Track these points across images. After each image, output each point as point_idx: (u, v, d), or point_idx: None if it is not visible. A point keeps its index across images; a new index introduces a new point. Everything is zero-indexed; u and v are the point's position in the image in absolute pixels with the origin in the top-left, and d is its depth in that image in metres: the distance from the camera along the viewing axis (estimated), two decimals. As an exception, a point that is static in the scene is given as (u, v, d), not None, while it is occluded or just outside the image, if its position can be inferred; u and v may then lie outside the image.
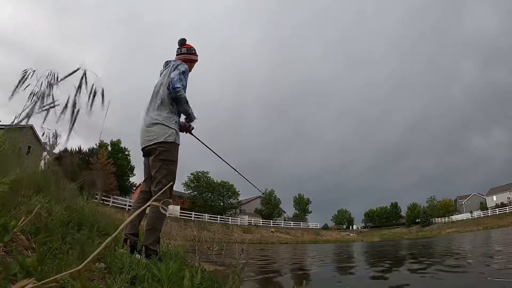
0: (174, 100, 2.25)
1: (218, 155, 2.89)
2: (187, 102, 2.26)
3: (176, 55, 2.52)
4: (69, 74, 1.13)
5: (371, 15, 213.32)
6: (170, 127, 2.18)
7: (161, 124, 2.16)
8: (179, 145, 2.23)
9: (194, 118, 2.42)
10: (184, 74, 2.29)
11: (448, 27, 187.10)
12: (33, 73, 1.21)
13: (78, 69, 1.13)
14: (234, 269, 1.59)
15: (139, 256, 1.95)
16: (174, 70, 2.28)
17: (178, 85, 2.19)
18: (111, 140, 33.09)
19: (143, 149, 2.25)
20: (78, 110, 1.12)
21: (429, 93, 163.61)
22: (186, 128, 2.46)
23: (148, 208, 2.14)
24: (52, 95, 1.18)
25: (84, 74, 1.14)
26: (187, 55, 2.51)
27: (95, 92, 1.15)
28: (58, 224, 1.57)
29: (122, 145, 33.98)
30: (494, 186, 50.73)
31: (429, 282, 3.47)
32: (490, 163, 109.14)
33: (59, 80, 1.19)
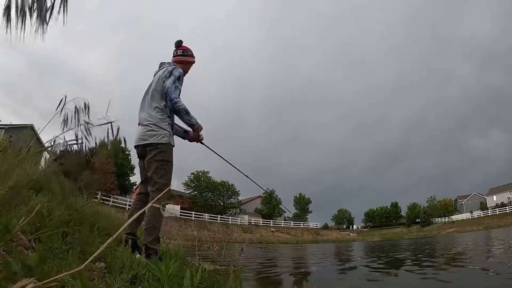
0: (173, 111, 2.25)
1: (228, 162, 2.91)
2: (187, 112, 2.24)
3: (172, 57, 2.51)
4: (103, 124, 1.47)
5: (370, 18, 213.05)
6: (164, 129, 2.19)
7: (155, 125, 2.18)
8: (173, 146, 2.25)
9: (199, 127, 2.37)
10: (179, 79, 2.27)
11: (447, 29, 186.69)
12: (65, 99, 1.41)
13: (111, 122, 1.49)
14: (234, 269, 1.59)
15: (139, 255, 1.96)
16: (169, 76, 2.24)
17: (175, 95, 2.18)
18: (112, 140, 33.11)
19: (136, 147, 2.27)
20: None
21: (429, 94, 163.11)
22: (196, 138, 2.48)
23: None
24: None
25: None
26: (182, 57, 2.49)
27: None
28: (59, 223, 1.58)
29: (122, 145, 34.01)
30: (494, 186, 50.72)
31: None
32: (490, 163, 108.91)
33: (93, 124, 1.48)
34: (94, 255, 0.39)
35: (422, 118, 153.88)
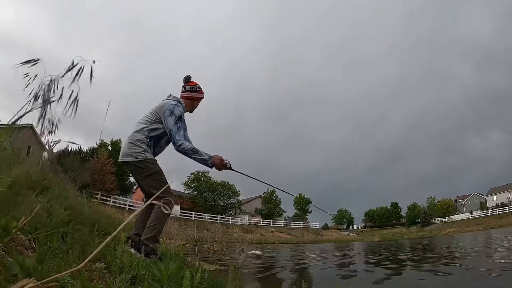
0: (181, 153, 2.34)
1: (258, 179, 2.86)
2: (194, 151, 2.30)
3: (181, 92, 2.56)
4: (68, 70, 1.31)
5: (370, 19, 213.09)
6: (139, 146, 2.28)
7: (132, 143, 2.29)
8: (152, 158, 2.33)
9: (214, 159, 2.34)
10: (180, 119, 2.37)
11: (446, 29, 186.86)
12: (35, 78, 1.36)
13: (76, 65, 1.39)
14: (234, 269, 1.59)
15: (133, 250, 2.02)
16: (169, 115, 2.32)
17: (179, 138, 2.30)
18: (112, 140, 33.06)
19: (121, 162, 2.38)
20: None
21: (429, 94, 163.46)
22: (221, 166, 2.40)
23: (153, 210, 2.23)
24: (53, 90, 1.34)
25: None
26: (191, 93, 2.55)
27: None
28: (58, 223, 1.57)
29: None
30: (494, 186, 50.71)
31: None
32: (490, 163, 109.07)
33: (60, 76, 1.37)
34: (93, 254, 0.39)
35: (422, 118, 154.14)
